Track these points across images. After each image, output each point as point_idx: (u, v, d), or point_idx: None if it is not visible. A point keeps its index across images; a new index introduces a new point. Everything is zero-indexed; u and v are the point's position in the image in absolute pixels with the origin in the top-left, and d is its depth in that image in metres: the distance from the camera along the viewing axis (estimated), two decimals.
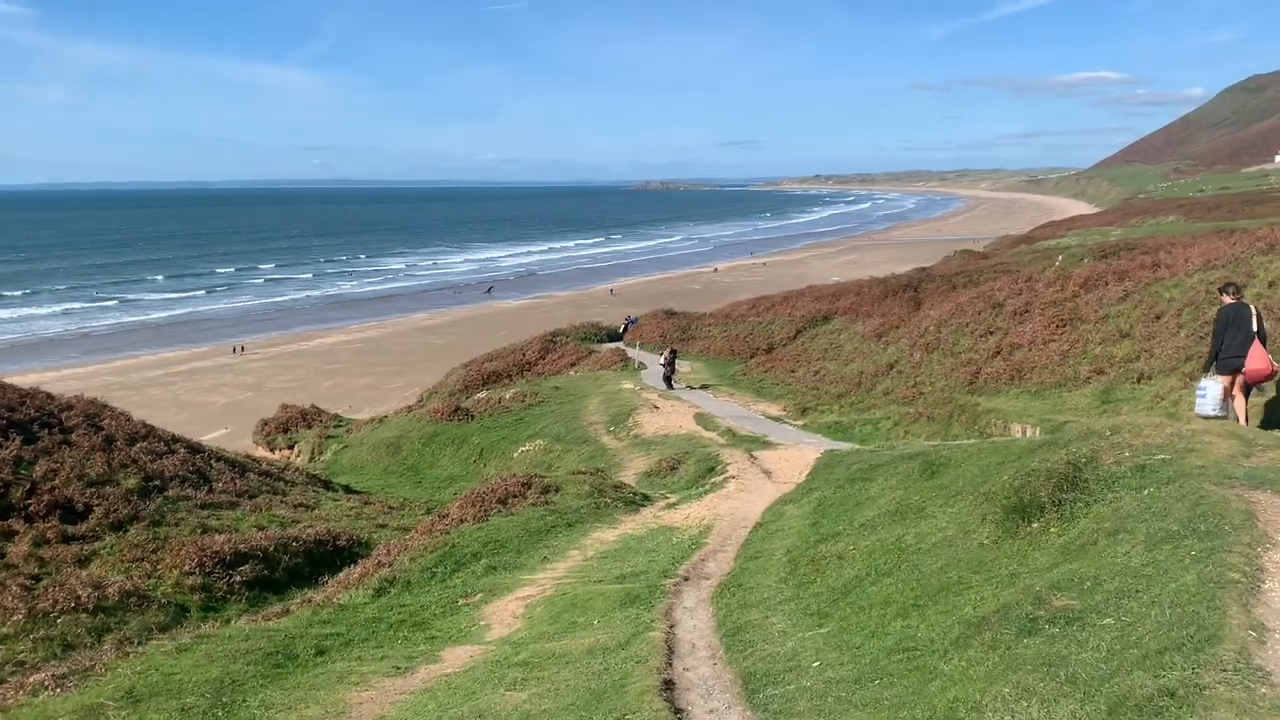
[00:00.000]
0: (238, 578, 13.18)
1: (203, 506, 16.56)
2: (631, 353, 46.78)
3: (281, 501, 18.94)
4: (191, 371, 63.55)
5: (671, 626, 7.47)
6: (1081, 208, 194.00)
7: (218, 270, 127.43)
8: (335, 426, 41.07)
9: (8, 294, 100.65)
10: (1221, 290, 11.36)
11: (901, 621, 6.16)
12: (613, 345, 51.43)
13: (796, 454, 18.31)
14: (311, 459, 38.13)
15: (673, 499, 15.39)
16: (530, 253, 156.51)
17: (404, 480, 31.25)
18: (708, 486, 15.90)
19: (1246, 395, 10.97)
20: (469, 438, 32.33)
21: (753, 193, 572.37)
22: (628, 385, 36.22)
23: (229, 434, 44.02)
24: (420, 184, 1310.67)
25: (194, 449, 20.88)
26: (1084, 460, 7.42)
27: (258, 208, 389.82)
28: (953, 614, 5.89)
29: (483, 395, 41.05)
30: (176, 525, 14.91)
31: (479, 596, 9.94)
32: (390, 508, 19.82)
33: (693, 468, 18.39)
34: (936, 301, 39.70)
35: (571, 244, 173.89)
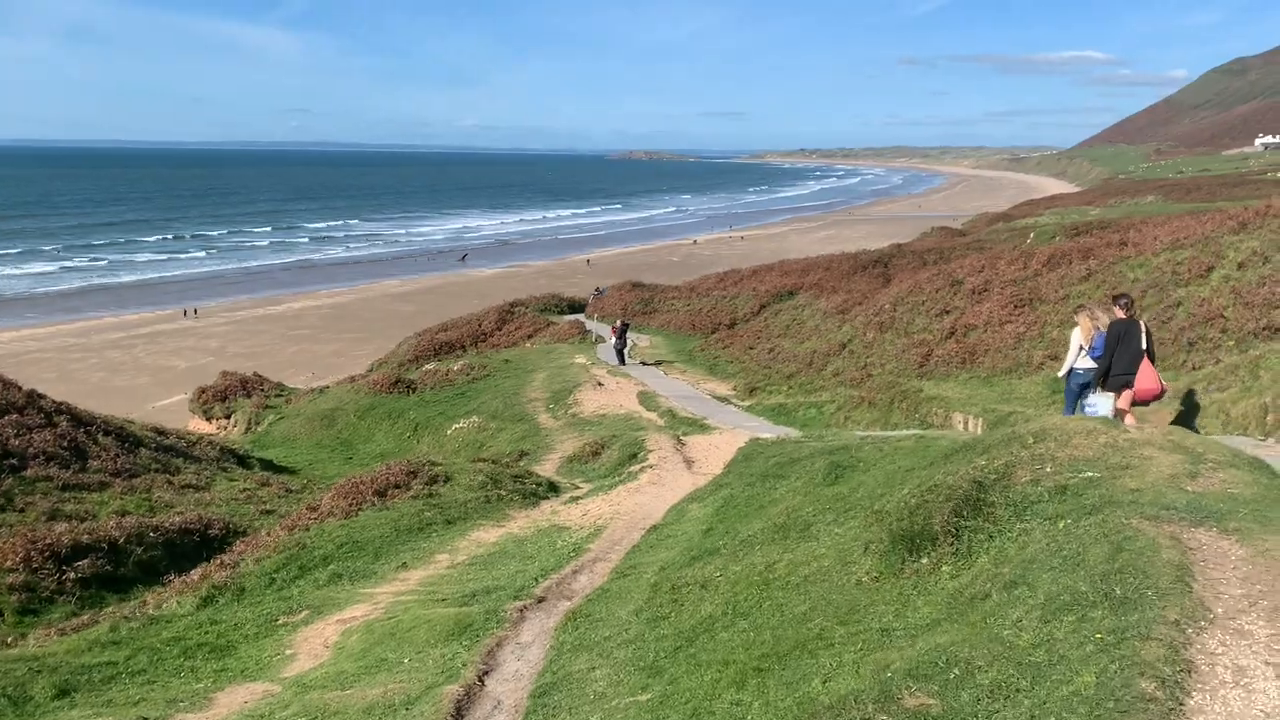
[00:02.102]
0: (72, 574, 11.60)
1: (65, 488, 14.97)
2: (591, 325, 45.27)
3: (168, 482, 17.37)
4: (154, 334, 61.66)
5: (484, 674, 6.05)
6: (1062, 187, 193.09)
7: (188, 233, 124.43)
8: (275, 396, 39.34)
9: None
10: (1114, 302, 10.58)
11: (734, 694, 4.73)
12: (573, 317, 49.87)
13: (729, 440, 16.91)
14: (248, 429, 36.47)
15: (581, 490, 13.96)
16: (508, 221, 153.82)
17: (335, 455, 29.66)
18: (623, 476, 14.49)
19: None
20: (406, 412, 30.76)
21: (737, 165, 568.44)
22: (580, 360, 34.73)
23: (186, 399, 42.45)
24: (399, 148, 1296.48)
25: (81, 421, 19.24)
26: (994, 477, 6.00)
27: (232, 169, 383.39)
28: (795, 690, 4.46)
29: (430, 367, 39.45)
30: (22, 511, 13.34)
31: (304, 614, 8.49)
32: (289, 490, 18.30)
33: (616, 453, 16.96)
34: (905, 278, 38.33)
35: (551, 213, 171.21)
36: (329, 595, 9.02)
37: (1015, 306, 19.31)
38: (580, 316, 50.03)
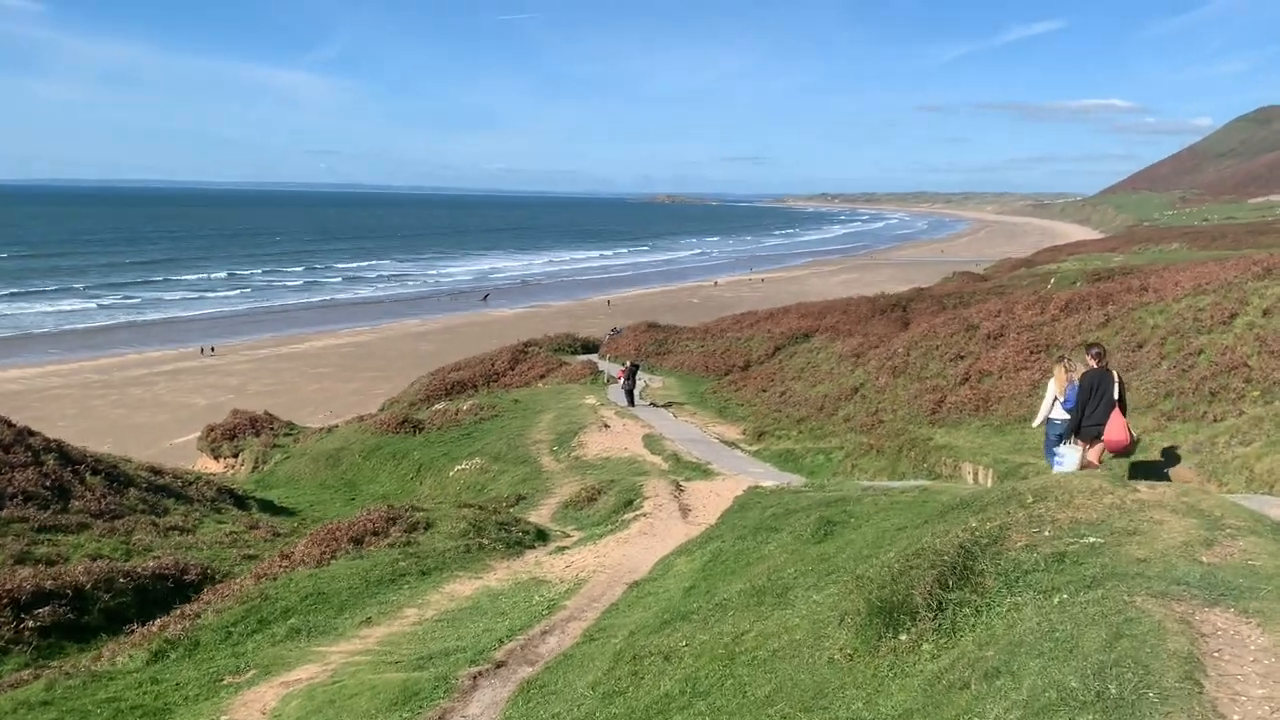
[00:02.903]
0: (31, 623, 11.07)
1: (41, 529, 14.50)
2: (603, 366, 44.79)
3: (153, 523, 16.87)
4: (176, 371, 61.84)
5: None
6: (1086, 233, 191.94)
7: (214, 272, 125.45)
8: (284, 435, 39.01)
9: None
10: (1086, 351, 10.61)
11: None
12: (586, 357, 49.41)
13: (730, 487, 16.26)
14: (255, 468, 36.13)
15: (570, 539, 13.34)
16: (531, 262, 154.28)
17: (338, 496, 29.15)
18: (615, 525, 13.86)
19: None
20: (411, 452, 30.26)
21: (758, 208, 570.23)
22: (590, 400, 34.19)
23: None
24: (426, 190, 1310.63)
25: (70, 460, 18.83)
26: (986, 542, 5.37)
27: (261, 209, 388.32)
28: None
29: (440, 406, 39.01)
30: None
31: (251, 673, 7.91)
32: (277, 533, 17.76)
33: (613, 499, 16.33)
34: (922, 322, 37.64)
35: (573, 255, 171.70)
36: (282, 653, 8.44)
37: (1031, 352, 18.63)
38: (594, 357, 49.57)
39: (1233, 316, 14.52)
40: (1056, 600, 4.53)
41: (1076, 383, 10.37)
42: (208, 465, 38.59)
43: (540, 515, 17.52)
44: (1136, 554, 4.96)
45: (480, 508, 14.30)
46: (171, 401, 53.59)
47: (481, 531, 12.52)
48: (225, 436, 39.32)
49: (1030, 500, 6.06)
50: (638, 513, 14.29)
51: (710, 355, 44.98)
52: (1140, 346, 15.81)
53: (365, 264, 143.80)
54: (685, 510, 14.50)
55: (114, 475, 19.42)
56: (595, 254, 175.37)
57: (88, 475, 18.24)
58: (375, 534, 12.10)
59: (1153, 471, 10.03)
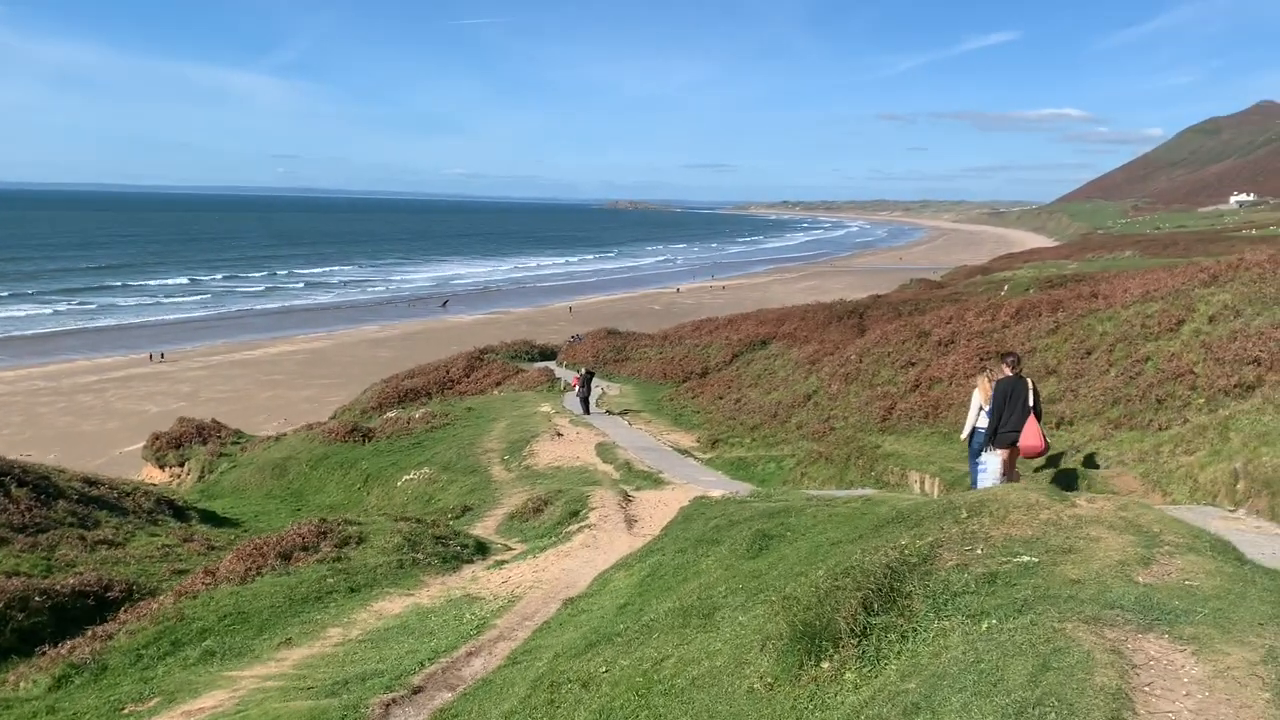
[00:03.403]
0: None
1: None
2: (560, 373, 44.41)
3: (80, 537, 16.22)
4: (127, 378, 60.51)
5: None
6: (1041, 241, 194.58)
7: (170, 277, 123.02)
8: (232, 443, 38.13)
9: None
10: (1002, 360, 10.90)
11: None
12: (543, 365, 48.98)
13: (679, 496, 15.94)
14: (201, 478, 35.28)
15: (509, 554, 12.95)
16: (493, 268, 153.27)
17: (284, 507, 28.44)
18: (557, 537, 13.49)
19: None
20: (359, 461, 29.62)
21: (721, 215, 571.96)
22: (545, 408, 33.79)
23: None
24: (387, 195, 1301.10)
25: (8, 473, 18.09)
26: (915, 560, 5.10)
27: (218, 214, 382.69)
28: None
29: (392, 414, 38.40)
30: None
31: (155, 701, 7.45)
32: (212, 546, 17.15)
33: (559, 510, 15.94)
34: (878, 329, 37.68)
35: (536, 261, 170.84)
36: (190, 678, 7.98)
37: (981, 359, 18.53)
38: (551, 364, 49.17)
39: (1180, 323, 14.47)
40: (985, 626, 4.26)
41: None
42: (153, 475, 37.62)
43: (485, 527, 17.10)
44: (1071, 574, 4.71)
45: (419, 520, 13.85)
46: (122, 409, 52.50)
47: (416, 546, 12.08)
48: (171, 445, 38.37)
49: (965, 515, 5.80)
50: (582, 524, 13.93)
51: (669, 362, 44.73)
52: (1089, 353, 15.74)
53: (323, 269, 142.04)
54: (631, 521, 14.17)
55: (43, 487, 18.67)
56: (558, 260, 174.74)
57: (13, 487, 17.50)
58: (305, 549, 11.63)
59: (1097, 481, 9.87)
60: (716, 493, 15.03)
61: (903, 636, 4.52)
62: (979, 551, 5.19)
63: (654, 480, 19.15)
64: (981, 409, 11.01)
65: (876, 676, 4.30)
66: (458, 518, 18.99)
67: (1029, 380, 10.58)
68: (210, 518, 25.18)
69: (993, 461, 10.31)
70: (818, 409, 22.34)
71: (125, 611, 10.74)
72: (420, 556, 11.78)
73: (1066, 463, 11.31)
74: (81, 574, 13.38)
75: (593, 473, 21.31)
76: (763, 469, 19.50)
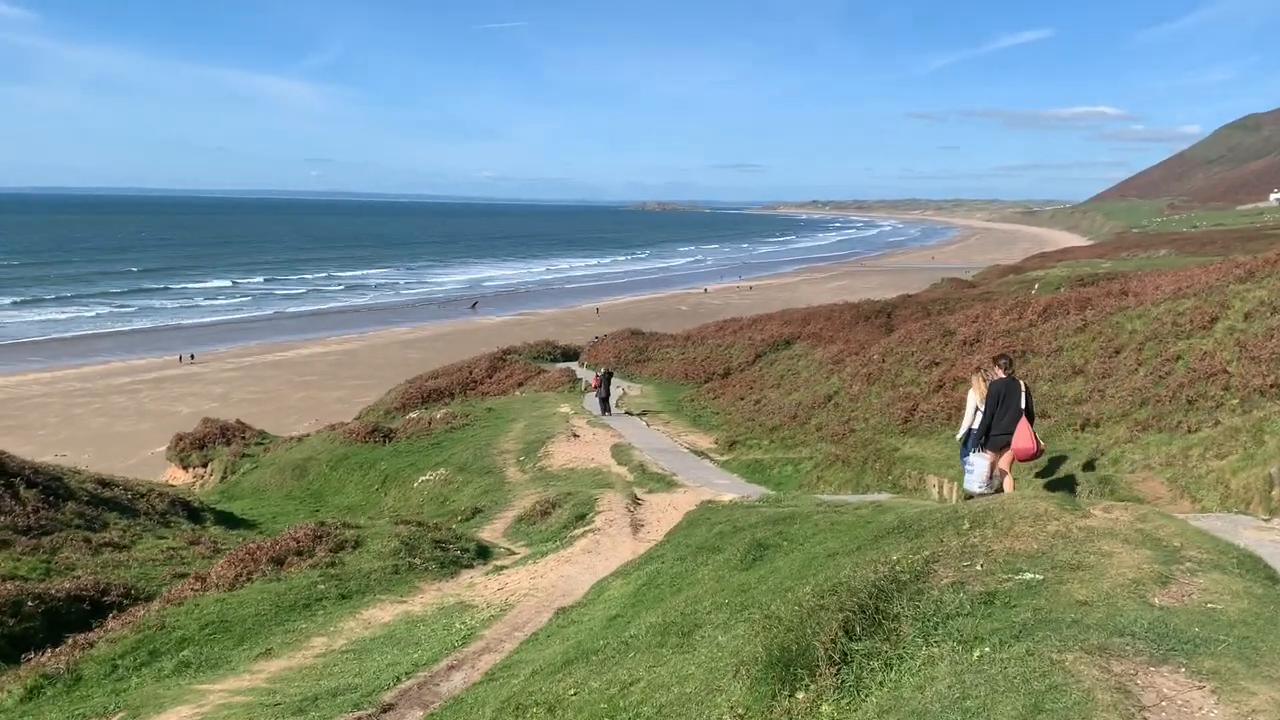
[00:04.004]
0: None
1: None
2: (581, 373, 44.07)
3: (85, 540, 16.05)
4: (160, 380, 61.03)
5: None
6: (1075, 240, 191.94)
7: (205, 280, 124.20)
8: (256, 444, 38.14)
9: None
10: (994, 362, 10.90)
11: None
12: (565, 365, 48.66)
13: (689, 500, 15.50)
14: (224, 478, 35.32)
15: (510, 559, 12.56)
16: (522, 270, 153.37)
17: (303, 508, 28.29)
18: (561, 542, 13.09)
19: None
20: (378, 462, 29.43)
21: (750, 216, 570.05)
22: (564, 409, 33.46)
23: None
24: (418, 198, 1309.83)
25: (6, 471, 17.98)
26: (907, 578, 4.62)
27: (252, 217, 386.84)
28: None
29: (414, 415, 38.23)
30: None
31: (119, 716, 7.13)
32: (219, 549, 16.91)
33: (567, 513, 15.55)
34: (904, 329, 36.97)
35: (564, 262, 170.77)
36: (160, 691, 7.65)
37: (977, 364, 17.86)
38: (573, 365, 48.84)
39: (1213, 321, 13.82)
40: (977, 655, 3.79)
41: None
42: (176, 476, 37.70)
43: (494, 530, 16.74)
44: (1078, 595, 4.22)
45: (420, 524, 13.50)
46: (154, 410, 52.89)
47: (414, 551, 11.72)
48: (194, 446, 38.45)
49: (967, 526, 5.32)
50: (588, 528, 13.52)
51: (690, 363, 44.23)
52: (1118, 352, 15.11)
53: (355, 272, 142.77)
54: (638, 526, 13.73)
55: (53, 489, 18.56)
56: (587, 262, 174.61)
57: (22, 489, 17.38)
58: (299, 553, 11.30)
59: (1121, 487, 9.32)
60: (727, 497, 14.57)
61: (887, 664, 4.05)
62: (978, 567, 4.70)
63: (666, 483, 18.71)
64: (977, 409, 10.94)
65: (854, 710, 3.84)
66: (467, 520, 18.66)
67: (1022, 382, 10.55)
68: (227, 519, 25.05)
69: (980, 463, 10.28)
70: (838, 410, 21.78)
71: (112, 618, 10.45)
72: (417, 561, 11.41)
73: (1091, 468, 10.74)
74: (79, 578, 13.17)
75: (606, 475, 20.91)
76: (779, 472, 19.01)
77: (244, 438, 39.15)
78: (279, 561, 11.04)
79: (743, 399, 31.75)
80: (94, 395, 56.56)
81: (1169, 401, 11.87)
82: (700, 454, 23.68)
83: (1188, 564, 4.65)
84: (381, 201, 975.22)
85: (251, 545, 11.69)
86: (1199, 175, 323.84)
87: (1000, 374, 10.45)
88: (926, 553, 5.07)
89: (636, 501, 15.57)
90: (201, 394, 56.97)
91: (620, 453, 23.23)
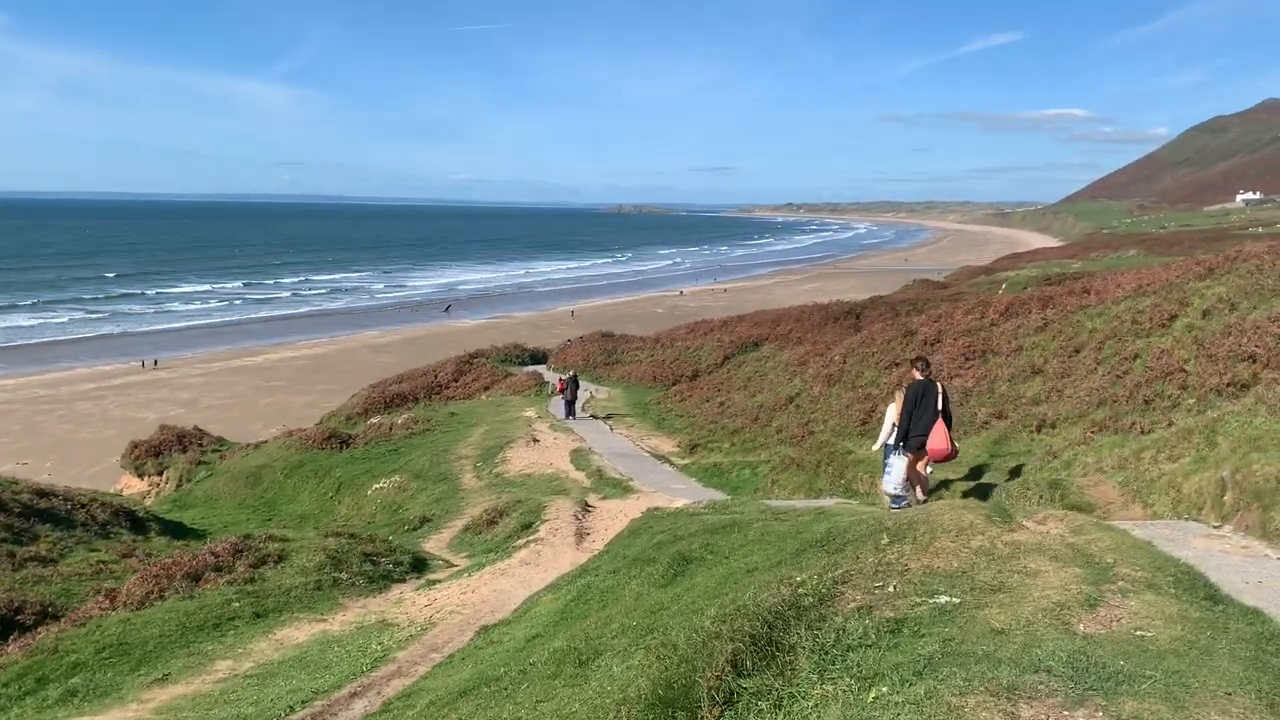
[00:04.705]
0: None
1: None
2: (549, 376, 43.48)
3: (10, 554, 15.34)
4: (125, 386, 59.87)
5: None
6: (1046, 241, 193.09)
7: (174, 285, 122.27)
8: (212, 451, 37.27)
9: None
10: (913, 364, 11.02)
11: None
12: (533, 369, 48.04)
13: (641, 506, 14.97)
14: (179, 486, 34.45)
15: (445, 572, 12.00)
16: (497, 273, 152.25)
17: (255, 517, 27.54)
18: (501, 553, 12.55)
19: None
20: (333, 469, 28.70)
21: (725, 219, 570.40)
22: (529, 413, 32.90)
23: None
24: (392, 201, 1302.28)
25: None
26: (811, 602, 4.14)
27: (222, 221, 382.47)
28: None
29: (376, 420, 37.47)
30: None
31: None
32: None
33: (514, 522, 15.00)
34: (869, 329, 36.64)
35: (540, 265, 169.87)
36: None
37: (966, 359, 17.52)
38: (541, 368, 48.23)
39: (1172, 319, 13.49)
40: (872, 696, 3.30)
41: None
42: (131, 484, 36.79)
43: (439, 540, 16.17)
44: (994, 621, 3.75)
45: (352, 536, 12.90)
46: (120, 416, 51.84)
47: (341, 565, 11.13)
48: (150, 453, 37.52)
49: (886, 540, 4.84)
50: (531, 538, 12.99)
51: (659, 365, 43.75)
52: (1077, 351, 14.75)
53: (327, 276, 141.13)
54: (583, 535, 13.22)
55: None
56: (562, 265, 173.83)
57: None
58: (218, 569, 10.69)
59: (1072, 492, 8.90)
60: (679, 502, 14.09)
61: (776, 705, 3.56)
62: (890, 589, 4.23)
63: (622, 488, 18.21)
64: (894, 425, 10.97)
65: None
66: (414, 529, 18.06)
67: (939, 384, 10.61)
68: (175, 529, 24.25)
69: (898, 464, 10.36)
70: (799, 412, 21.36)
71: (13, 640, 9.81)
72: (343, 576, 10.83)
73: (1041, 471, 10.33)
74: None
75: (563, 480, 20.39)
76: (737, 475, 18.55)
77: (201, 445, 38.26)
78: (195, 578, 10.43)
79: (708, 401, 31.31)
80: (58, 402, 55.55)
81: (1125, 402, 11.49)
82: (661, 458, 23.19)
83: (1120, 583, 4.19)
84: (354, 204, 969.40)
85: (166, 560, 11.06)
86: (1167, 177, 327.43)
87: (918, 375, 10.51)
88: (840, 570, 4.59)
89: (586, 509, 15.05)
90: (168, 400, 56.00)
91: (579, 458, 22.70)
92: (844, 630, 3.90)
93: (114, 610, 9.62)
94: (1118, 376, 12.52)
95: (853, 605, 4.13)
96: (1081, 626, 3.73)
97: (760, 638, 3.86)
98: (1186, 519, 7.31)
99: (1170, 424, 9.60)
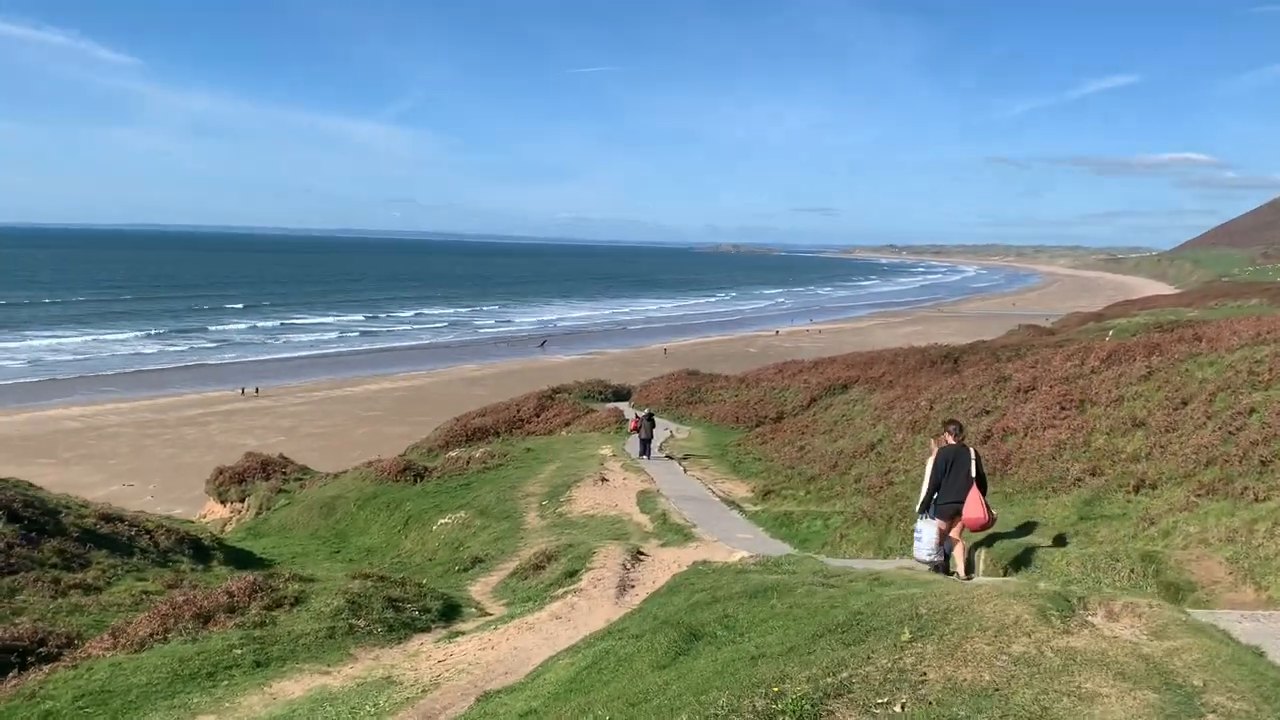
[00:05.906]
0: None
1: None
2: (629, 413, 42.76)
3: (54, 581, 15.13)
4: (230, 412, 61.88)
5: None
6: (1161, 288, 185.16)
7: (287, 316, 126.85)
8: (294, 479, 37.57)
9: (70, 331, 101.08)
10: (944, 427, 10.66)
11: None
12: (614, 405, 47.39)
13: (700, 555, 13.98)
14: (259, 514, 34.75)
15: (474, 622, 11.18)
16: (595, 310, 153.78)
17: (324, 548, 27.34)
18: (537, 603, 11.69)
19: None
20: (404, 502, 28.37)
21: (825, 259, 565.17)
22: (604, 450, 32.17)
23: None
24: (497, 239, 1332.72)
25: (6, 508, 17.26)
26: (807, 708, 3.12)
27: (336, 255, 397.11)
28: None
29: (454, 453, 37.28)
30: None
31: None
32: None
33: (560, 568, 14.13)
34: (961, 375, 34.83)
35: (636, 303, 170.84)
36: None
37: (1061, 409, 16.03)
38: (623, 405, 47.55)
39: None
40: None
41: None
42: (214, 510, 37.32)
43: (487, 583, 15.41)
44: None
45: (382, 578, 12.19)
46: (222, 442, 53.31)
47: (359, 611, 10.40)
48: (233, 480, 38.02)
49: (908, 637, 3.81)
50: (570, 588, 12.11)
51: (743, 405, 42.55)
52: (1184, 404, 13.22)
53: (430, 310, 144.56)
54: (626, 587, 12.26)
55: (41, 523, 17.78)
56: (658, 302, 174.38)
57: (2, 523, 16.62)
58: (231, 610, 10.10)
59: (1169, 567, 7.57)
60: (738, 555, 13.04)
61: None
62: (897, 708, 3.20)
63: (683, 535, 17.19)
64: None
65: None
66: (466, 569, 17.36)
67: (972, 449, 10.32)
68: (243, 558, 24.10)
69: (928, 530, 9.88)
70: (880, 460, 20.03)
71: (12, 678, 9.34)
72: (361, 624, 10.11)
73: (1136, 540, 8.98)
74: (19, 624, 12.17)
75: (625, 524, 19.47)
76: (807, 526, 17.34)
77: (284, 473, 38.63)
78: (205, 618, 9.85)
79: (789, 445, 30.01)
80: (166, 426, 57.61)
81: (1238, 462, 10.03)
82: (731, 504, 22.06)
83: (1209, 716, 3.08)
84: (461, 241, 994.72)
85: (179, 599, 10.51)
86: None
87: (950, 440, 10.19)
88: (843, 674, 3.59)
89: (637, 558, 14.08)
90: (270, 427, 57.51)
91: (645, 500, 21.75)
92: None
93: (113, 650, 9.08)
94: (1230, 433, 11.03)
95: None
96: None
97: None
98: None
99: None
